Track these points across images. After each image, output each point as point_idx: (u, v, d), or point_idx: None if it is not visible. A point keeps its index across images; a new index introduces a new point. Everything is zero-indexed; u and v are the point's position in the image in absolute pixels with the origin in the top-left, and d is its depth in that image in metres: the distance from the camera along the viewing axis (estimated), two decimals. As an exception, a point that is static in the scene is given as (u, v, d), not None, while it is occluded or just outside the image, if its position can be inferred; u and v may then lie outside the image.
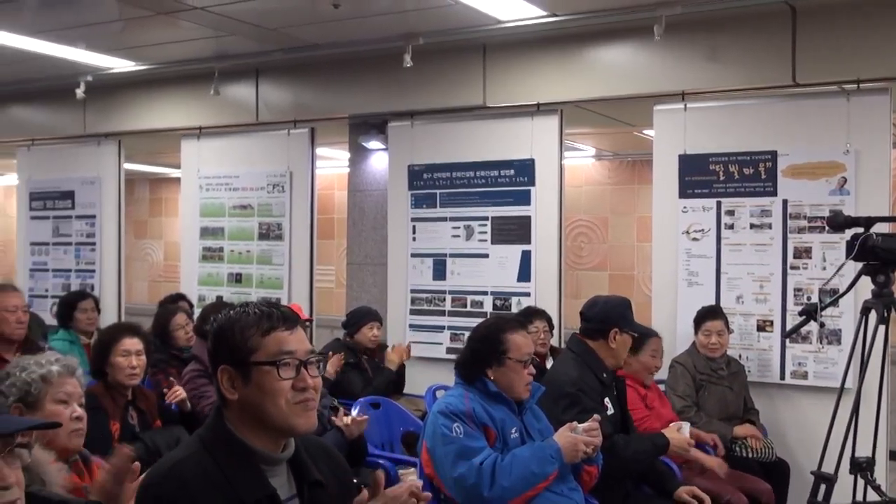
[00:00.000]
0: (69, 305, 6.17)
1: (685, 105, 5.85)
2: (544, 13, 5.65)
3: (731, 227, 5.73)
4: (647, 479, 4.12)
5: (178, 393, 4.21)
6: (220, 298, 7.28)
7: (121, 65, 7.35)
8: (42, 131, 8.76)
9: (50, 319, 7.88)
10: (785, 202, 5.57)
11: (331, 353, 5.69)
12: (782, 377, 5.59)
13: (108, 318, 7.87)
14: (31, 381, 2.77)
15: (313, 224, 7.32)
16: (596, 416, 3.48)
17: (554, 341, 5.88)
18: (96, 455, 3.01)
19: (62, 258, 8.64)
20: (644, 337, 4.74)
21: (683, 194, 5.84)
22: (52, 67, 7.42)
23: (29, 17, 6.09)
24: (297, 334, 2.04)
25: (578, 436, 3.36)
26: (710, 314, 5.46)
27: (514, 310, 6.18)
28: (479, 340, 3.52)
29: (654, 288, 6.14)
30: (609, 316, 4.06)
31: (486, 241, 6.50)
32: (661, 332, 5.90)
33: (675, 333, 5.77)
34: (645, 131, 8.06)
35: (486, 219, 6.50)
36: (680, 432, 4.14)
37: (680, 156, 5.84)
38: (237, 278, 7.62)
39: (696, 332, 5.46)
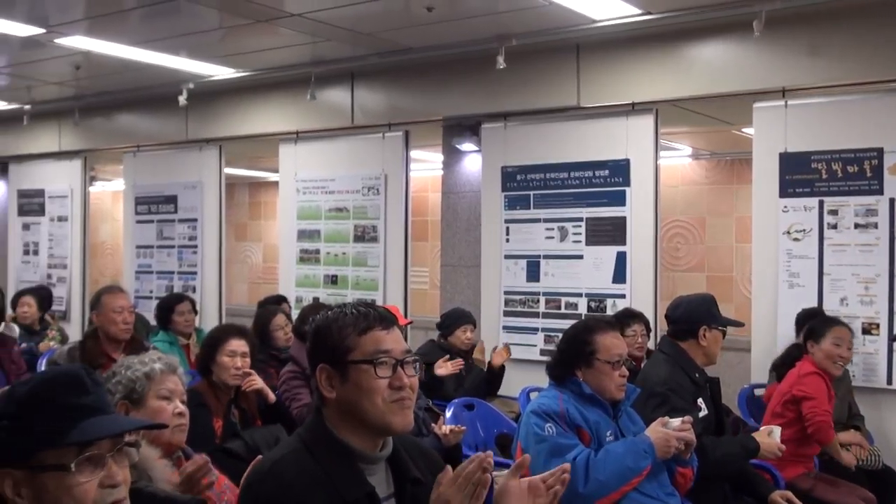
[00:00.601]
0: (167, 308, 6.35)
1: (786, 102, 5.70)
2: (639, 11, 5.58)
3: (835, 226, 5.55)
4: (739, 485, 4.02)
5: (253, 382, 4.23)
6: (316, 300, 7.40)
7: (221, 72, 7.54)
8: (147, 138, 9.05)
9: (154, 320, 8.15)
10: (892, 201, 5.37)
11: (448, 359, 5.71)
12: (889, 382, 5.39)
13: (210, 319, 8.09)
14: (135, 378, 2.86)
15: (407, 226, 7.38)
16: (687, 416, 3.42)
17: (651, 344, 5.79)
18: (200, 451, 3.09)
19: (166, 260, 8.90)
20: (827, 324, 4.82)
21: (784, 193, 5.69)
22: (156, 76, 7.67)
23: (134, 28, 6.31)
24: (394, 334, 2.07)
25: (671, 431, 3.31)
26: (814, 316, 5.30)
27: (610, 311, 6.11)
28: (568, 341, 3.50)
29: (753, 290, 5.99)
30: (695, 314, 4.01)
31: (580, 242, 6.45)
32: (762, 335, 5.78)
33: (776, 336, 5.63)
34: (744, 129, 7.89)
35: (580, 220, 6.45)
36: (771, 436, 4.01)
37: (780, 154, 5.69)
38: (333, 280, 7.73)
39: (798, 336, 5.30)
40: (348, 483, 1.96)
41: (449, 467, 1.95)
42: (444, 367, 5.62)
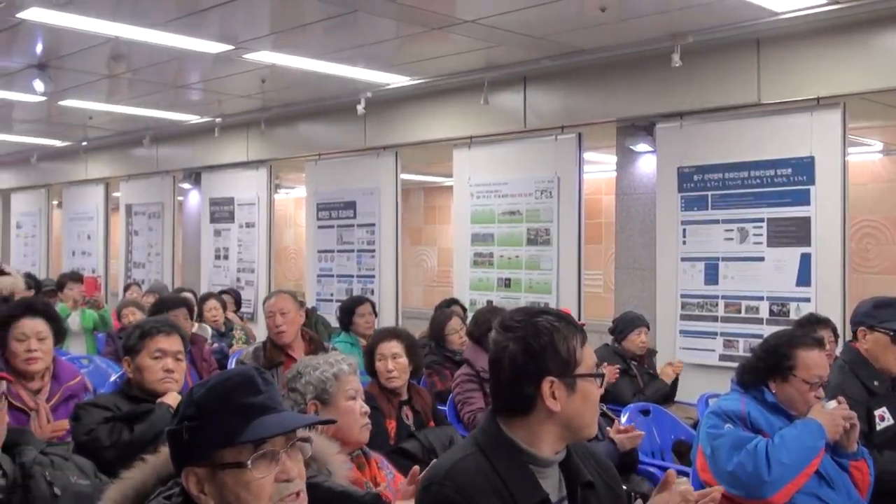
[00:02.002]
0: (349, 311, 6.55)
1: None
2: (826, 1, 5.34)
3: None
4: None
5: None
6: (490, 303, 7.46)
7: (397, 80, 7.74)
8: (327, 146, 9.38)
9: (335, 322, 8.42)
10: None
11: (605, 364, 5.63)
12: None
13: (387, 321, 8.29)
14: (325, 378, 2.96)
15: (581, 229, 7.32)
16: (841, 396, 3.29)
17: (839, 351, 5.51)
18: (374, 451, 3.17)
19: (345, 264, 9.20)
20: None
21: None
22: (336, 86, 7.96)
23: (315, 41, 6.57)
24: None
25: (834, 410, 3.20)
26: None
27: (793, 316, 5.87)
28: (767, 350, 3.37)
29: (954, 293, 5.60)
30: (857, 315, 3.81)
31: (761, 243, 6.22)
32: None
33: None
34: (942, 123, 7.41)
35: (761, 220, 6.22)
36: None
37: (984, 148, 5.30)
38: (507, 283, 7.76)
39: None
40: (523, 488, 1.97)
41: (640, 500, 1.95)
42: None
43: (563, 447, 2.07)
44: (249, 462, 1.69)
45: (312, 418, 1.91)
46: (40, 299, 5.24)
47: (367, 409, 2.99)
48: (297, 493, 1.76)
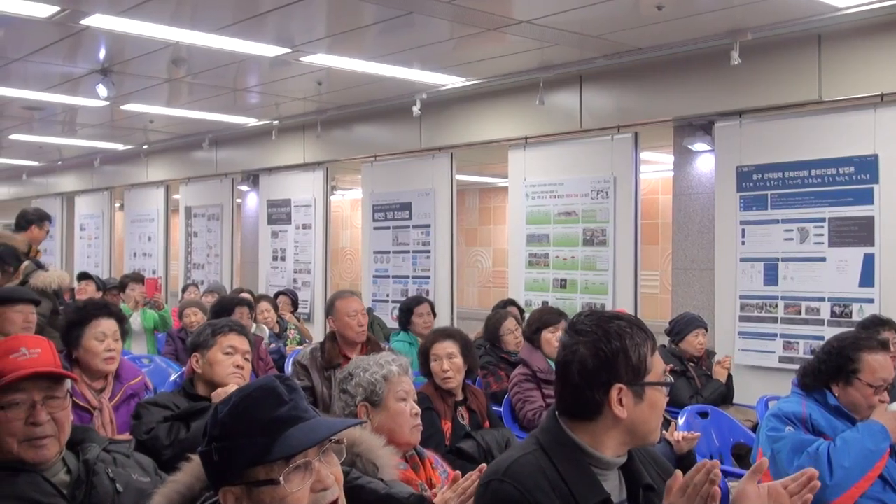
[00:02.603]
0: (408, 310, 6.58)
1: None
2: (888, -4, 5.23)
3: None
4: None
5: None
6: (545, 304, 7.43)
7: (452, 81, 7.75)
8: (383, 148, 9.42)
9: (390, 322, 8.47)
10: None
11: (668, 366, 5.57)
12: None
13: (442, 321, 8.27)
14: (374, 381, 2.96)
15: (637, 229, 7.26)
16: None
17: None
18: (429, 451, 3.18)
19: (401, 265, 9.23)
20: None
21: None
22: (391, 88, 8.00)
23: (371, 43, 6.61)
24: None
25: None
26: None
27: (856, 318, 5.75)
28: (830, 353, 3.31)
29: None
30: None
31: (822, 243, 6.10)
32: None
33: None
34: None
35: (822, 220, 6.11)
36: None
37: None
38: (562, 284, 7.73)
39: None
40: (585, 489, 1.96)
41: (679, 472, 1.91)
42: None
43: (625, 452, 2.05)
44: (282, 478, 1.66)
45: (344, 422, 1.87)
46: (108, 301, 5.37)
47: (417, 410, 2.97)
48: (335, 502, 1.73)
